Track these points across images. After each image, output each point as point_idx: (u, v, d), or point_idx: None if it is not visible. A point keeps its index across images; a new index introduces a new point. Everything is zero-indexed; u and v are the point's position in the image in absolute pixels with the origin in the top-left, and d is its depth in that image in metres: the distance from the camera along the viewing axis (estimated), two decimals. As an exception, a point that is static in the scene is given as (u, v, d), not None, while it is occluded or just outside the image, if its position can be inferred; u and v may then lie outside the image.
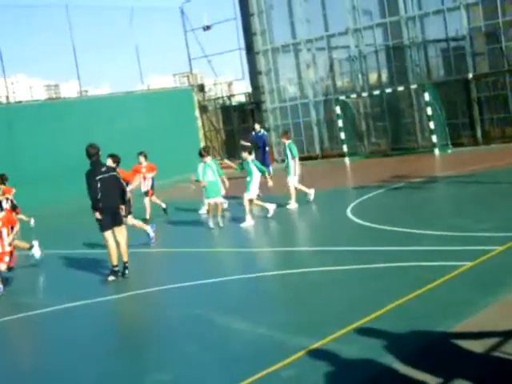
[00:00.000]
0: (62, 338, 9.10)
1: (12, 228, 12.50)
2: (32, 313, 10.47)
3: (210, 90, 43.75)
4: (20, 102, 38.03)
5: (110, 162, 13.20)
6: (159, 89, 42.09)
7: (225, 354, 7.49)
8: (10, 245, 12.58)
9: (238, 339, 7.97)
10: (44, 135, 30.63)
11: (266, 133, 28.30)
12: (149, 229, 15.17)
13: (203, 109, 38.14)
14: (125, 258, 12.03)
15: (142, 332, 9.19)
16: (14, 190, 19.48)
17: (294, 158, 17.63)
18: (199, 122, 37.25)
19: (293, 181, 17.64)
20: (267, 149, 27.06)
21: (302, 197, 17.65)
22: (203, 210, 18.04)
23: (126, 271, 12.02)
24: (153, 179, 19.09)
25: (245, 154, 16.43)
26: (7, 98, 37.25)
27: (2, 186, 18.67)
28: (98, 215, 11.90)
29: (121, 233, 12.09)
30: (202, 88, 39.39)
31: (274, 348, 7.39)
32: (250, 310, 9.12)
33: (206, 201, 16.10)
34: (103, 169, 11.89)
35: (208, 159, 16.21)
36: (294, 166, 17.57)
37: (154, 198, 19.14)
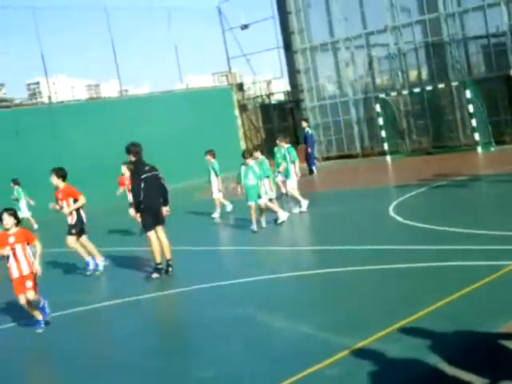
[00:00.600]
0: (106, 335, 9.25)
1: (28, 244, 9.75)
2: (76, 310, 10.65)
3: (249, 88, 43.87)
4: (62, 102, 38.51)
5: (54, 179, 13.02)
6: (198, 88, 42.37)
7: (267, 353, 7.52)
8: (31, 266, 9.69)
9: (281, 338, 7.98)
10: (86, 134, 31.04)
11: (310, 131, 28.40)
12: (100, 260, 13.45)
13: (243, 107, 38.24)
14: (168, 256, 12.14)
15: (184, 329, 9.27)
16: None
17: (293, 162, 17.79)
18: (239, 121, 37.36)
19: (292, 183, 17.68)
20: (309, 149, 27.22)
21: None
22: (216, 214, 18.47)
23: (170, 269, 12.14)
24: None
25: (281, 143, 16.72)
26: (49, 98, 37.84)
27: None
28: (138, 217, 12.05)
29: (163, 231, 12.20)
30: (241, 87, 39.50)
31: (317, 347, 7.39)
32: (293, 309, 9.13)
33: (248, 203, 15.64)
34: (146, 168, 11.99)
35: (251, 162, 15.68)
36: (294, 170, 17.70)
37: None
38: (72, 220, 13.14)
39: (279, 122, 38.29)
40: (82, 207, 13.17)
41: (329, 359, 6.86)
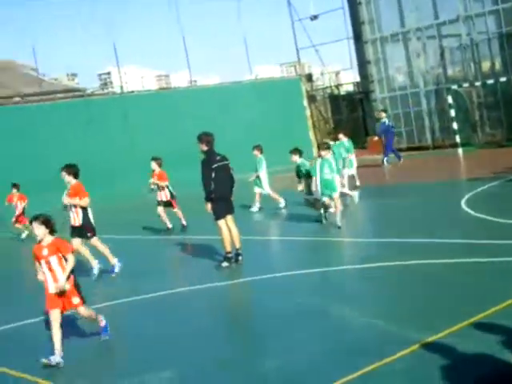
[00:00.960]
0: (175, 323, 9.35)
1: (65, 258, 8.41)
2: (145, 296, 10.84)
3: (318, 79, 43.72)
4: (133, 91, 39.11)
5: (65, 177, 12.60)
6: (267, 78, 42.46)
7: (335, 345, 7.50)
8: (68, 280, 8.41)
9: (349, 330, 7.96)
10: (155, 124, 31.51)
11: (387, 121, 28.21)
12: (114, 261, 13.05)
13: (311, 98, 38.14)
14: (238, 245, 12.24)
15: (253, 318, 9.34)
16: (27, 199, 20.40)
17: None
18: (307, 112, 37.27)
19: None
20: (387, 139, 27.21)
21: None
22: (255, 208, 18.63)
23: (240, 258, 12.24)
24: (169, 188, 17.30)
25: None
26: (121, 88, 38.52)
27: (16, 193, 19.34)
28: (208, 207, 12.12)
29: (233, 220, 12.30)
30: (310, 77, 39.40)
31: (386, 340, 7.34)
32: (361, 302, 9.10)
33: (323, 198, 14.98)
34: (218, 157, 12.10)
35: (327, 154, 14.96)
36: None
37: (177, 210, 17.40)
38: (75, 221, 12.57)
39: (348, 113, 38.05)
40: (87, 208, 12.61)
41: (398, 353, 6.81)
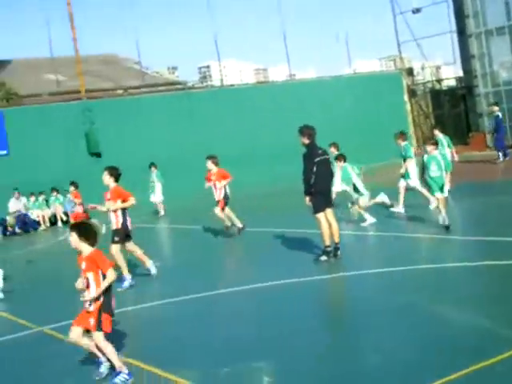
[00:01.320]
0: (274, 315, 9.41)
1: (103, 275, 7.42)
2: (245, 287, 10.97)
3: (418, 73, 42.92)
4: (232, 85, 39.58)
5: (106, 178, 12.27)
6: (367, 73, 42.05)
7: (436, 344, 7.33)
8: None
9: (450, 329, 7.77)
10: (254, 117, 31.79)
11: (500, 115, 27.62)
12: (149, 264, 12.70)
13: (412, 93, 37.51)
14: (336, 239, 12.19)
15: (352, 313, 9.27)
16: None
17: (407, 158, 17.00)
18: (408, 107, 36.70)
19: (411, 183, 16.95)
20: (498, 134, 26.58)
21: None
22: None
23: (338, 252, 12.19)
24: (225, 189, 16.51)
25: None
26: (221, 81, 39.05)
27: (73, 191, 18.36)
28: (307, 201, 12.14)
29: (332, 214, 12.27)
30: (410, 72, 38.74)
31: (487, 341, 7.15)
32: (463, 300, 8.88)
33: (435, 195, 14.10)
34: (319, 151, 12.08)
35: (433, 150, 14.14)
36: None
37: (226, 211, 16.59)
38: (117, 224, 12.17)
39: (450, 109, 37.20)
40: (127, 210, 12.30)
41: (500, 355, 6.61)
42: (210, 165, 16.59)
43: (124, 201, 12.10)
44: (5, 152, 27.81)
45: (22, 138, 27.47)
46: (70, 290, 8.65)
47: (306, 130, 12.14)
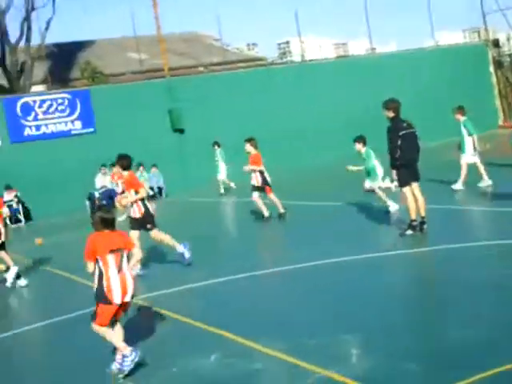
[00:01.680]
0: (363, 286, 9.43)
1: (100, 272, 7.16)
2: (335, 260, 11.03)
3: (503, 45, 41.59)
4: (312, 60, 39.37)
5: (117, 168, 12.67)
6: (450, 45, 41.07)
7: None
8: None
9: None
10: (335, 92, 31.61)
11: None
12: (181, 248, 12.26)
13: (498, 64, 36.46)
14: (422, 213, 12.05)
15: (439, 287, 9.17)
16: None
17: (470, 135, 16.54)
18: (493, 79, 35.71)
19: (467, 159, 16.55)
20: None
21: None
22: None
23: (424, 226, 12.04)
24: (262, 173, 16.06)
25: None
26: (302, 56, 38.91)
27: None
28: (394, 174, 12.06)
29: (419, 188, 12.14)
30: (496, 43, 37.58)
31: None
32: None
33: None
34: (404, 124, 11.94)
35: None
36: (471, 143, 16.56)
37: (271, 196, 16.19)
38: (140, 212, 11.96)
39: (538, 80, 35.99)
40: (145, 198, 12.13)
41: None
42: (248, 147, 16.17)
43: (136, 191, 11.98)
44: (92, 129, 28.63)
45: (108, 115, 28.15)
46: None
47: (391, 104, 12.03)
